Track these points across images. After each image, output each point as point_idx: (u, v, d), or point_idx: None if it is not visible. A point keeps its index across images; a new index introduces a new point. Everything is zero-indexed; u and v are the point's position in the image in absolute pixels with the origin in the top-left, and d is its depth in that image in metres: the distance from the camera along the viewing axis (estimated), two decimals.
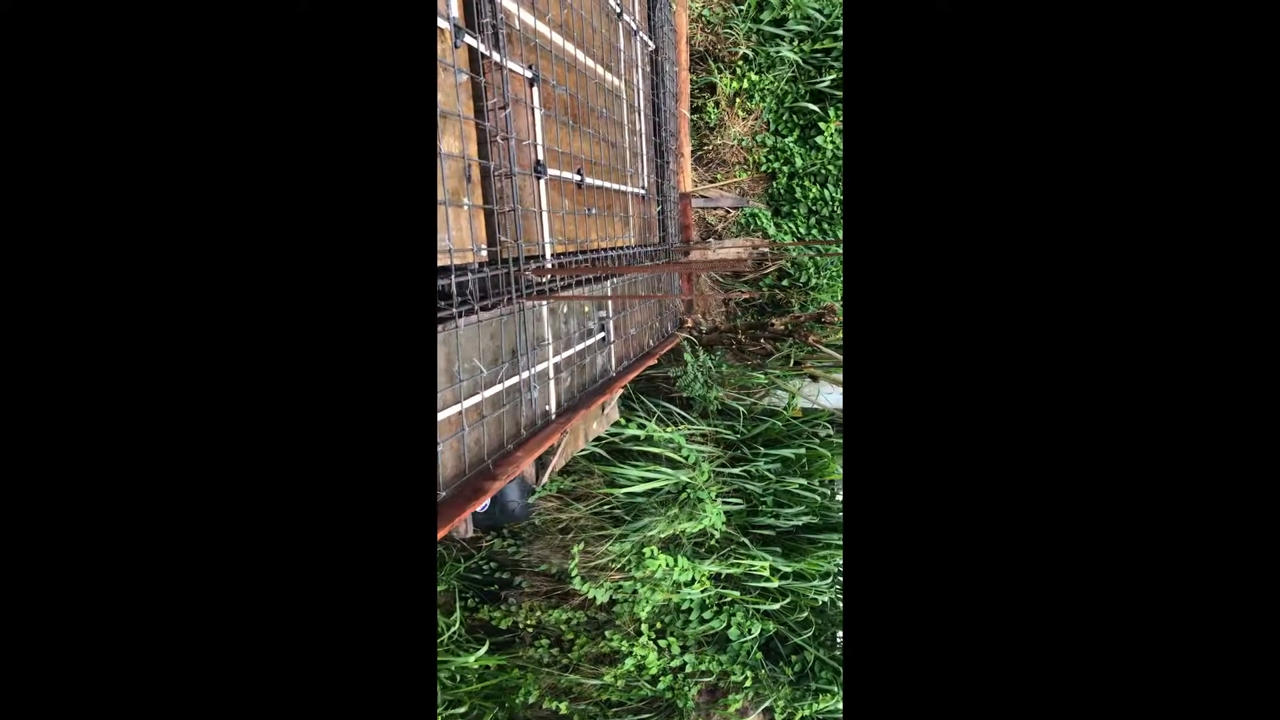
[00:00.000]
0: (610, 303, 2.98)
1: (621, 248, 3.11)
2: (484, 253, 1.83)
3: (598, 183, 2.83)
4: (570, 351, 2.52)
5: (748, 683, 3.76)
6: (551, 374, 2.34)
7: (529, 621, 3.99)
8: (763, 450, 4.13)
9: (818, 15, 4.85)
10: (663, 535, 3.71)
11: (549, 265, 2.22)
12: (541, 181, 2.24)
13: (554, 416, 2.34)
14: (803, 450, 4.07)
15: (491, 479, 1.78)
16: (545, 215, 2.26)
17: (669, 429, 3.93)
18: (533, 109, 2.18)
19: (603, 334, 2.87)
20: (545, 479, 2.45)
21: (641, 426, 3.84)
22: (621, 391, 3.97)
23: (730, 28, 4.90)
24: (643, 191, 3.59)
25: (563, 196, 2.45)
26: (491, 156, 1.86)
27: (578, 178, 2.59)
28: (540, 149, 2.22)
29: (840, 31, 4.78)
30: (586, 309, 2.70)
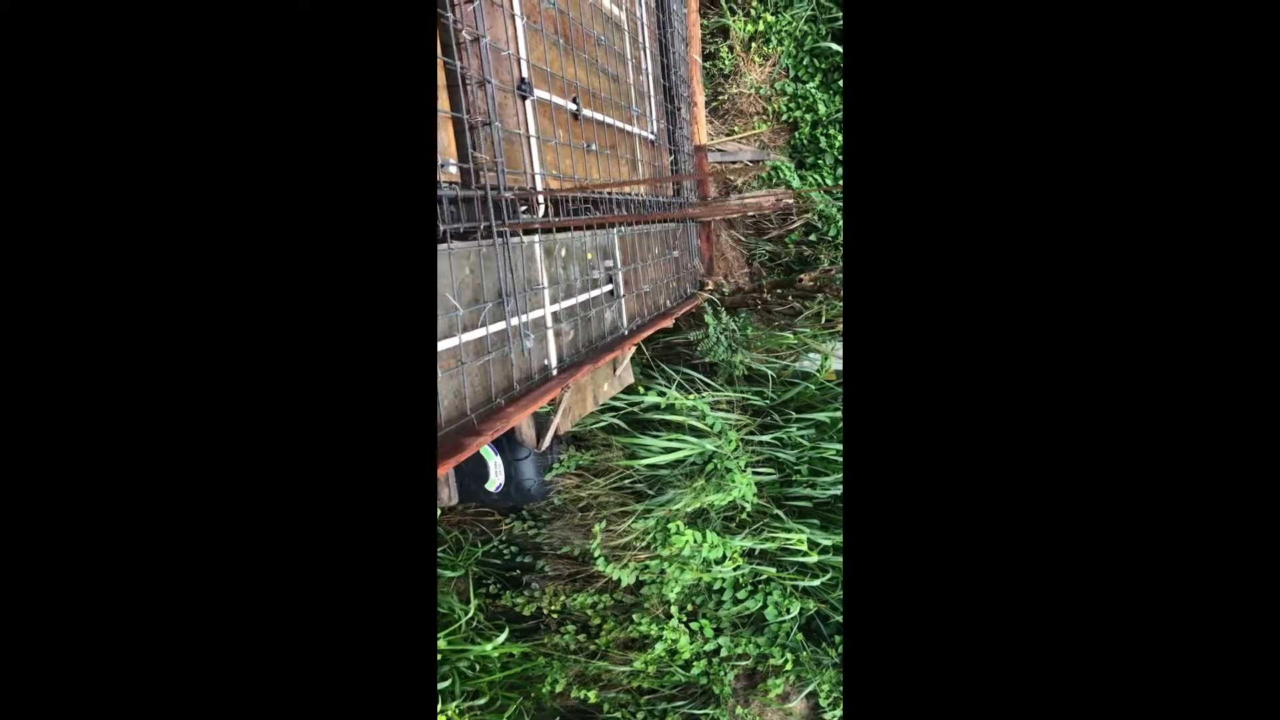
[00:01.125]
0: (619, 252, 2.70)
1: (630, 194, 2.82)
2: (453, 168, 1.56)
3: (598, 116, 2.54)
4: (572, 301, 2.25)
5: (788, 666, 3.47)
6: (549, 324, 2.07)
7: (553, 607, 3.76)
8: (794, 416, 3.81)
9: None
10: (689, 509, 3.43)
11: (534, 190, 1.94)
12: (528, 103, 1.96)
13: (555, 372, 2.07)
14: (838, 414, 3.74)
15: (474, 434, 1.52)
16: (534, 142, 1.98)
17: (691, 397, 3.64)
18: (512, 15, 1.90)
19: (610, 285, 2.59)
20: (546, 442, 2.20)
21: (661, 394, 3.56)
22: (636, 353, 3.69)
23: None
24: (652, 136, 3.29)
25: (555, 125, 2.17)
26: (459, 58, 1.58)
27: (573, 106, 2.30)
28: (525, 65, 1.94)
29: None
30: (590, 255, 2.42)
